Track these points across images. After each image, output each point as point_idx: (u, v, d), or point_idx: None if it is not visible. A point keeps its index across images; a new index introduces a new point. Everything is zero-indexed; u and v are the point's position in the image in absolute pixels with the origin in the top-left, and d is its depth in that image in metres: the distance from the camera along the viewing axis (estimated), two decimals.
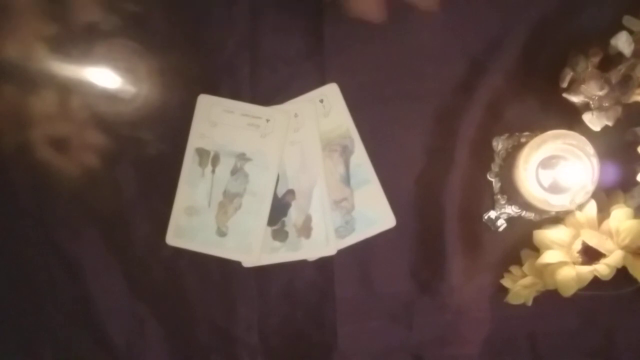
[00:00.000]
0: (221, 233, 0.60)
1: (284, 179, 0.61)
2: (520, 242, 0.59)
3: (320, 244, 0.61)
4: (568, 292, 0.53)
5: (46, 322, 0.62)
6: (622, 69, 0.54)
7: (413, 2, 0.58)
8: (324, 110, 0.61)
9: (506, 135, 0.60)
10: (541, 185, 0.55)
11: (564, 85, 0.56)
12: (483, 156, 0.60)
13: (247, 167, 0.61)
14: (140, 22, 0.61)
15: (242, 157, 0.61)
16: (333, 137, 0.61)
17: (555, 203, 0.55)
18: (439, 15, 0.60)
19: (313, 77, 0.61)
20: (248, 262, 0.61)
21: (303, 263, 0.61)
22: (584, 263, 0.55)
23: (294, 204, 0.61)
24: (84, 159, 0.61)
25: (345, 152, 0.61)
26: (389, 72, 0.61)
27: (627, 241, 0.53)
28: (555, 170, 0.55)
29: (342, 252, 0.61)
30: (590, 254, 0.55)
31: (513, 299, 0.58)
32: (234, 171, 0.61)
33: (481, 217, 0.60)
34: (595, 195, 0.55)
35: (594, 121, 0.55)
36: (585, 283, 0.53)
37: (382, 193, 0.61)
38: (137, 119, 0.61)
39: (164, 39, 0.61)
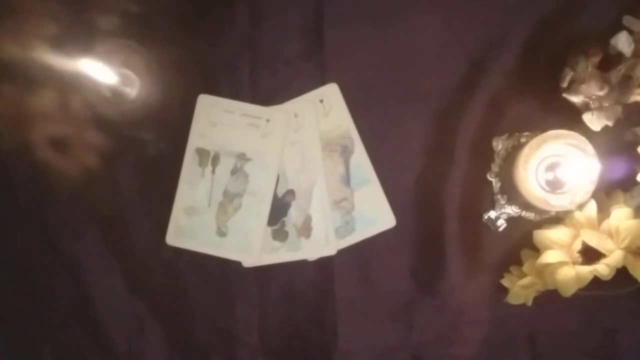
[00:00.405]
0: (221, 233, 0.60)
1: (284, 179, 0.61)
2: (520, 242, 0.59)
3: (320, 244, 0.61)
4: (568, 292, 0.53)
5: (46, 322, 0.62)
6: (622, 69, 0.54)
7: None
8: (324, 110, 0.61)
9: (506, 135, 0.60)
10: (541, 185, 0.55)
11: (564, 85, 0.56)
12: (483, 156, 0.60)
13: (247, 167, 0.61)
14: (140, 22, 0.61)
15: (242, 157, 0.61)
16: (333, 137, 0.61)
17: (555, 203, 0.55)
18: (439, 15, 0.60)
19: (313, 77, 0.61)
20: (248, 262, 0.61)
21: (303, 263, 0.61)
22: (584, 263, 0.55)
23: (294, 204, 0.61)
24: (84, 159, 0.61)
25: (345, 152, 0.61)
26: (389, 72, 0.61)
27: (627, 241, 0.53)
28: (555, 170, 0.55)
29: (342, 252, 0.61)
30: (590, 254, 0.55)
31: (513, 299, 0.58)
32: (234, 171, 0.61)
33: (481, 217, 0.60)
34: (595, 195, 0.55)
35: (594, 121, 0.55)
36: (585, 283, 0.53)
37: (382, 193, 0.61)
38: (137, 119, 0.61)
39: (164, 39, 0.61)
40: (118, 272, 0.62)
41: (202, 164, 0.61)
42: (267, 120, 0.61)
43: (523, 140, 0.59)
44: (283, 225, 0.61)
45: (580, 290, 0.53)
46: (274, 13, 0.61)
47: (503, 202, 0.60)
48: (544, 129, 0.55)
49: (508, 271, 0.60)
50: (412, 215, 0.61)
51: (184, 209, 0.61)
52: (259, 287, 0.62)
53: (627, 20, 0.55)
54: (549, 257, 0.55)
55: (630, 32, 0.54)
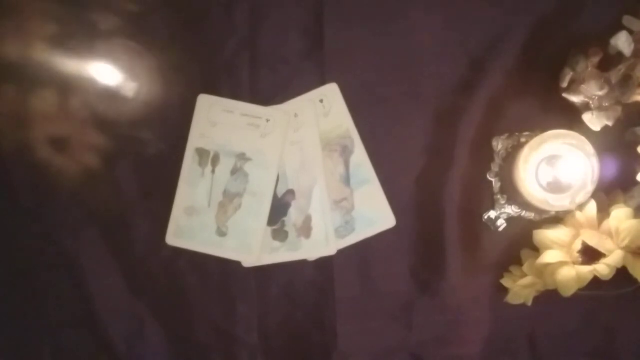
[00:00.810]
0: (221, 233, 0.60)
1: (284, 179, 0.61)
2: (520, 242, 0.59)
3: (320, 244, 0.61)
4: (568, 292, 0.53)
5: (46, 322, 0.62)
6: (622, 69, 0.54)
7: None
8: (324, 110, 0.61)
9: (506, 135, 0.60)
10: (541, 186, 0.55)
11: (564, 85, 0.56)
12: (483, 156, 0.60)
13: (247, 167, 0.61)
14: (140, 22, 0.61)
15: (242, 157, 0.61)
16: (333, 137, 0.61)
17: (555, 203, 0.55)
18: (439, 15, 0.60)
19: (313, 77, 0.61)
20: (248, 262, 0.61)
21: (303, 263, 0.61)
22: (584, 263, 0.55)
23: (294, 204, 0.61)
24: (84, 159, 0.61)
25: (345, 152, 0.61)
26: (389, 72, 0.61)
27: (627, 241, 0.53)
28: (555, 170, 0.55)
29: (342, 252, 0.61)
30: (590, 254, 0.55)
31: (513, 299, 0.58)
32: (234, 171, 0.61)
33: (481, 217, 0.60)
34: (595, 195, 0.55)
35: (594, 121, 0.55)
36: (585, 283, 0.53)
37: (382, 193, 0.61)
38: (137, 119, 0.61)
39: (164, 38, 0.61)
40: (118, 272, 0.62)
41: (202, 164, 0.61)
42: (267, 120, 0.61)
43: (523, 140, 0.59)
44: (283, 225, 0.61)
45: (580, 290, 0.53)
46: (274, 13, 0.61)
47: (503, 202, 0.60)
48: (544, 129, 0.55)
49: (508, 271, 0.60)
50: (412, 215, 0.61)
51: (184, 209, 0.61)
52: (259, 287, 0.62)
53: (627, 20, 0.55)
54: (549, 257, 0.55)
55: (630, 32, 0.54)
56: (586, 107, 0.56)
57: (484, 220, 0.60)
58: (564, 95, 0.56)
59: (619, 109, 0.55)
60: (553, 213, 0.57)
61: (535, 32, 0.59)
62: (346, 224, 0.61)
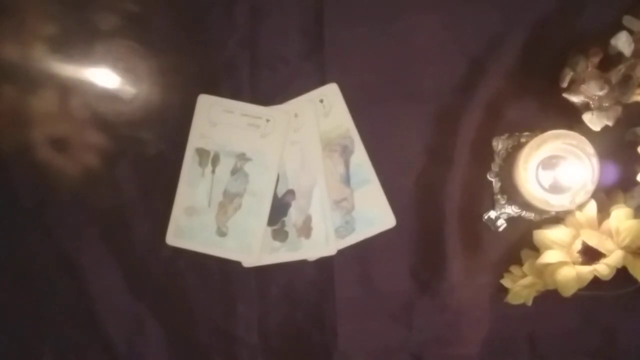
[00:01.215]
0: (221, 233, 0.60)
1: (284, 179, 0.61)
2: (520, 242, 0.59)
3: (320, 244, 0.61)
4: (568, 292, 0.53)
5: (46, 322, 0.62)
6: (622, 69, 0.54)
7: None
8: (324, 110, 0.61)
9: (506, 135, 0.60)
10: (541, 185, 0.55)
11: (564, 85, 0.56)
12: (483, 156, 0.60)
13: (247, 167, 0.61)
14: (140, 22, 0.61)
15: (242, 157, 0.61)
16: (333, 137, 0.61)
17: (555, 203, 0.55)
18: (439, 15, 0.60)
19: (313, 77, 0.61)
20: (248, 262, 0.61)
21: (303, 263, 0.61)
22: (584, 263, 0.55)
23: (294, 204, 0.61)
24: (84, 159, 0.61)
25: (345, 152, 0.61)
26: (389, 72, 0.61)
27: (627, 241, 0.53)
28: (555, 170, 0.55)
29: (342, 252, 0.61)
30: (590, 254, 0.55)
31: (513, 299, 0.58)
32: (234, 171, 0.61)
33: (481, 217, 0.60)
34: (595, 195, 0.55)
35: (594, 121, 0.55)
36: (585, 283, 0.53)
37: (382, 193, 0.61)
38: (137, 119, 0.61)
39: (164, 39, 0.61)
40: (118, 272, 0.62)
41: (202, 164, 0.61)
42: (267, 120, 0.61)
43: (523, 140, 0.59)
44: (283, 225, 0.61)
45: (580, 290, 0.53)
46: (274, 13, 0.61)
47: (503, 202, 0.60)
48: (544, 129, 0.55)
49: (508, 271, 0.60)
50: (412, 215, 0.61)
51: (184, 209, 0.61)
52: (259, 287, 0.62)
53: (627, 20, 0.55)
54: (549, 257, 0.55)
55: (630, 32, 0.54)
56: (586, 107, 0.56)
57: (484, 220, 0.60)
58: (564, 95, 0.56)
59: (619, 109, 0.55)
60: (553, 213, 0.57)
61: (535, 32, 0.59)
62: (346, 224, 0.61)
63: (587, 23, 0.59)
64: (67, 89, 0.61)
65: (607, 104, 0.55)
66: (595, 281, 0.53)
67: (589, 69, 0.55)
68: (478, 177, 0.60)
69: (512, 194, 0.58)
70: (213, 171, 0.61)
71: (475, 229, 0.60)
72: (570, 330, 0.61)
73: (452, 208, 0.60)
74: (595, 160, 0.54)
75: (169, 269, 0.62)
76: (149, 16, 0.61)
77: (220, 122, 0.61)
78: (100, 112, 0.61)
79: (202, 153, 0.61)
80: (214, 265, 0.61)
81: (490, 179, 0.60)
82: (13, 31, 0.61)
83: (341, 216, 0.61)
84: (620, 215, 0.54)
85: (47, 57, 0.61)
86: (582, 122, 0.56)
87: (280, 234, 0.61)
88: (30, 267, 0.62)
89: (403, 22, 0.60)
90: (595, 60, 0.55)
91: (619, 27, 0.55)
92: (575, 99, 0.56)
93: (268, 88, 0.61)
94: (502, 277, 0.59)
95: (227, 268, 0.61)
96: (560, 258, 0.55)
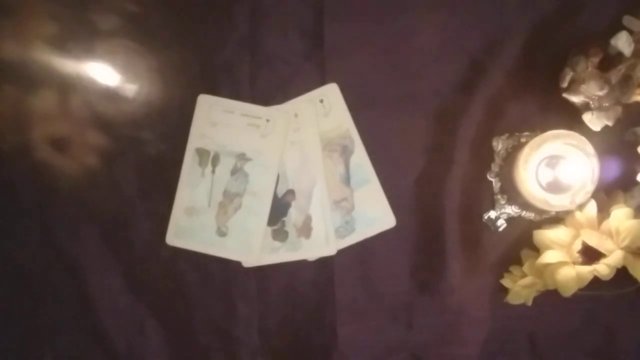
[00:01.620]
0: (221, 233, 0.60)
1: (284, 179, 0.61)
2: (520, 242, 0.59)
3: (320, 244, 0.61)
4: (568, 292, 0.53)
5: (46, 323, 0.62)
6: (622, 69, 0.54)
7: None
8: (324, 110, 0.61)
9: (506, 135, 0.60)
10: (541, 186, 0.55)
11: (564, 85, 0.56)
12: (483, 156, 0.60)
13: (247, 167, 0.61)
14: (140, 22, 0.61)
15: (242, 157, 0.61)
16: (333, 137, 0.61)
17: (555, 203, 0.55)
18: (439, 15, 0.60)
19: (313, 77, 0.61)
20: (248, 262, 0.61)
21: (303, 263, 0.61)
22: (584, 263, 0.55)
23: (294, 204, 0.61)
24: (84, 159, 0.61)
25: (345, 152, 0.61)
26: (389, 72, 0.61)
27: (627, 241, 0.53)
28: (555, 170, 0.55)
29: (342, 252, 0.61)
30: (590, 254, 0.55)
31: (513, 299, 0.58)
32: (234, 171, 0.61)
33: (481, 217, 0.60)
34: (595, 195, 0.55)
35: (594, 121, 0.55)
36: (585, 283, 0.53)
37: (382, 193, 0.61)
38: (137, 119, 0.61)
39: (164, 38, 0.61)
40: (118, 272, 0.62)
41: (202, 164, 0.61)
42: (267, 120, 0.61)
43: (523, 140, 0.59)
44: (283, 225, 0.61)
45: (580, 290, 0.53)
46: (274, 13, 0.61)
47: (503, 202, 0.60)
48: (544, 129, 0.55)
49: (508, 271, 0.60)
50: (412, 215, 0.61)
51: (184, 209, 0.61)
52: (259, 287, 0.62)
53: (627, 20, 0.55)
54: (549, 257, 0.55)
55: (630, 32, 0.54)
56: (586, 107, 0.56)
57: (484, 220, 0.60)
58: (564, 95, 0.56)
59: (619, 109, 0.55)
60: (553, 213, 0.57)
61: (535, 32, 0.59)
62: (346, 224, 0.61)
63: (587, 23, 0.59)
64: (67, 88, 0.61)
65: (607, 104, 0.55)
66: (595, 281, 0.53)
67: (589, 69, 0.55)
68: (478, 177, 0.60)
69: (512, 194, 0.58)
70: (213, 171, 0.61)
71: (475, 229, 0.60)
72: (570, 330, 0.61)
73: (452, 208, 0.60)
74: (595, 160, 0.54)
75: (169, 269, 0.62)
76: (149, 16, 0.61)
77: (220, 122, 0.61)
78: (100, 112, 0.61)
79: (202, 153, 0.61)
80: (214, 265, 0.61)
81: (490, 179, 0.60)
82: (13, 31, 0.61)
83: (341, 216, 0.61)
84: (620, 215, 0.54)
85: (48, 57, 0.61)
86: (582, 122, 0.56)
87: (280, 234, 0.61)
88: (30, 267, 0.62)
89: (403, 22, 0.60)
90: (595, 60, 0.55)
91: (619, 27, 0.55)
92: (575, 99, 0.56)
93: (268, 88, 0.61)
94: (502, 277, 0.59)
95: (227, 268, 0.61)
96: (560, 258, 0.55)
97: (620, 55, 0.54)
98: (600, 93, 0.55)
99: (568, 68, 0.56)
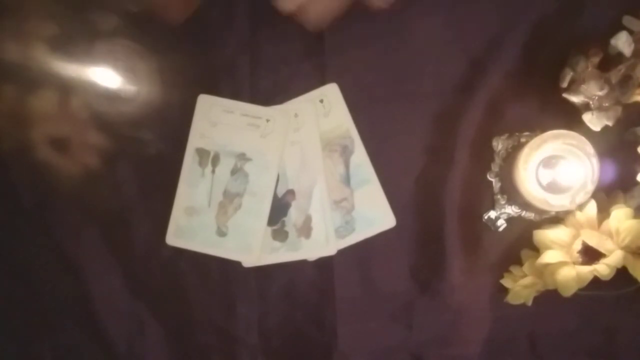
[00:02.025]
0: (221, 233, 0.60)
1: (284, 179, 0.61)
2: (520, 242, 0.59)
3: (320, 244, 0.61)
4: (568, 292, 0.53)
5: (46, 323, 0.62)
6: (622, 69, 0.54)
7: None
8: (324, 110, 0.61)
9: (506, 135, 0.60)
10: (541, 185, 0.55)
11: (564, 85, 0.56)
12: (483, 156, 0.60)
13: (247, 167, 0.61)
14: (140, 22, 0.61)
15: (242, 157, 0.61)
16: (333, 137, 0.61)
17: (555, 203, 0.55)
18: (439, 15, 0.60)
19: (313, 77, 0.61)
20: (248, 262, 0.61)
21: (303, 263, 0.61)
22: (584, 263, 0.55)
23: (294, 204, 0.61)
24: (84, 159, 0.61)
25: (345, 152, 0.61)
26: (389, 72, 0.61)
27: (627, 241, 0.53)
28: (555, 170, 0.55)
29: (342, 252, 0.61)
30: (590, 254, 0.55)
31: (513, 299, 0.58)
32: (234, 171, 0.61)
33: (481, 217, 0.60)
34: (595, 195, 0.55)
35: (594, 121, 0.55)
36: (585, 283, 0.53)
37: (382, 193, 0.61)
38: (137, 119, 0.61)
39: (164, 39, 0.61)
40: (118, 272, 0.62)
41: (202, 164, 0.61)
42: (267, 120, 0.61)
43: (523, 140, 0.59)
44: (283, 225, 0.61)
45: (580, 290, 0.53)
46: (274, 13, 0.61)
47: (503, 202, 0.60)
48: (544, 129, 0.55)
49: (508, 271, 0.60)
50: (412, 215, 0.61)
51: (184, 209, 0.61)
52: (259, 287, 0.62)
53: (627, 20, 0.55)
54: (549, 257, 0.55)
55: (630, 32, 0.54)
56: (586, 107, 0.56)
57: (484, 220, 0.60)
58: (564, 95, 0.56)
59: (619, 109, 0.55)
60: (553, 213, 0.57)
61: (535, 32, 0.59)
62: (346, 224, 0.61)
63: (587, 23, 0.59)
64: (67, 89, 0.61)
65: (607, 104, 0.55)
66: (595, 281, 0.53)
67: (589, 69, 0.55)
68: (478, 177, 0.60)
69: (512, 194, 0.58)
70: (213, 171, 0.61)
71: (475, 229, 0.60)
72: (570, 330, 0.61)
73: (452, 208, 0.60)
74: (595, 160, 0.54)
75: (169, 269, 0.62)
76: (149, 16, 0.61)
77: (220, 122, 0.61)
78: (101, 112, 0.61)
79: (202, 153, 0.61)
80: (214, 265, 0.61)
81: (490, 179, 0.60)
82: (13, 31, 0.61)
83: (341, 216, 0.61)
84: (620, 215, 0.54)
85: (48, 57, 0.60)
86: (582, 122, 0.56)
87: (280, 234, 0.61)
88: (30, 267, 0.62)
89: (403, 22, 0.60)
90: (595, 60, 0.55)
91: (619, 27, 0.55)
92: (575, 99, 0.56)
93: (268, 88, 0.61)
94: (502, 277, 0.59)
95: (227, 268, 0.61)
96: (560, 258, 0.55)
97: (620, 55, 0.54)
98: (600, 93, 0.55)
99: (568, 68, 0.56)
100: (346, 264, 0.61)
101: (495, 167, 0.60)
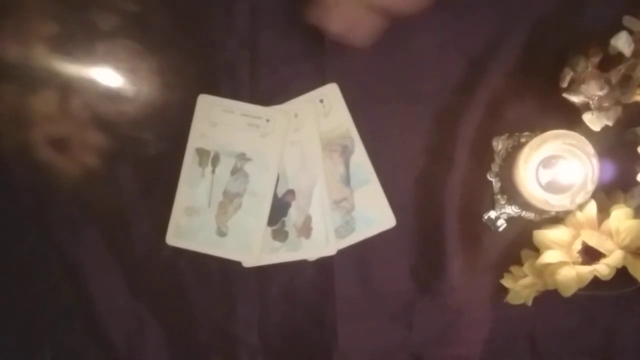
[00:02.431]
0: (221, 233, 0.60)
1: (284, 179, 0.61)
2: (520, 242, 0.59)
3: (320, 244, 0.61)
4: (568, 292, 0.53)
5: (46, 322, 0.62)
6: (622, 69, 0.54)
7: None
8: (324, 110, 0.61)
9: (506, 135, 0.60)
10: (541, 186, 0.55)
11: (564, 85, 0.56)
12: (483, 156, 0.60)
13: (247, 167, 0.61)
14: (140, 22, 0.61)
15: (242, 157, 0.61)
16: (333, 137, 0.61)
17: (555, 203, 0.55)
18: (439, 15, 0.60)
19: (313, 77, 0.61)
20: (248, 262, 0.61)
21: (303, 263, 0.61)
22: (584, 263, 0.55)
23: (294, 204, 0.61)
24: (84, 159, 0.61)
25: (345, 152, 0.61)
26: (389, 72, 0.61)
27: (627, 241, 0.53)
28: (555, 170, 0.55)
29: (342, 252, 0.61)
30: (590, 254, 0.55)
31: (513, 299, 0.58)
32: (234, 171, 0.61)
33: (481, 217, 0.60)
34: (595, 195, 0.55)
35: (594, 121, 0.55)
36: (585, 283, 0.53)
37: (382, 193, 0.61)
38: (137, 119, 0.61)
39: (164, 39, 0.61)
40: (118, 272, 0.62)
41: (202, 164, 0.61)
42: (267, 120, 0.61)
43: (523, 140, 0.59)
44: (283, 225, 0.61)
45: (580, 290, 0.53)
46: (274, 13, 0.61)
47: (503, 202, 0.60)
48: (544, 129, 0.55)
49: (508, 271, 0.60)
50: (412, 215, 0.61)
51: (184, 209, 0.61)
52: (259, 287, 0.62)
53: (627, 20, 0.55)
54: (549, 257, 0.55)
55: (630, 32, 0.54)
56: (586, 107, 0.56)
57: (484, 220, 0.60)
58: (564, 95, 0.56)
59: (619, 109, 0.55)
60: (553, 213, 0.57)
61: (535, 32, 0.59)
62: (346, 224, 0.61)
63: (587, 23, 0.59)
64: (67, 89, 0.61)
65: (607, 104, 0.55)
66: (595, 281, 0.53)
67: (589, 69, 0.55)
68: (478, 177, 0.60)
69: (512, 194, 0.58)
70: (213, 171, 0.61)
71: (475, 229, 0.60)
72: (570, 330, 0.61)
73: (452, 208, 0.60)
74: (595, 160, 0.54)
75: (169, 269, 0.62)
76: (149, 16, 0.61)
77: (220, 122, 0.61)
78: (101, 112, 0.61)
79: (202, 153, 0.61)
80: (214, 265, 0.61)
81: (490, 179, 0.60)
82: (14, 31, 0.61)
83: (341, 216, 0.61)
84: (620, 215, 0.54)
85: (48, 57, 0.61)
86: (582, 122, 0.56)
87: (280, 234, 0.61)
88: (30, 267, 0.62)
89: (403, 22, 0.60)
90: (595, 60, 0.55)
91: (619, 27, 0.55)
92: (575, 99, 0.56)
93: (268, 88, 0.61)
94: (502, 277, 0.59)
95: (227, 268, 0.61)
96: (560, 258, 0.55)
97: (620, 55, 0.54)
98: (600, 93, 0.55)
99: (568, 68, 0.56)
100: (346, 264, 0.61)
101: (495, 167, 0.60)
